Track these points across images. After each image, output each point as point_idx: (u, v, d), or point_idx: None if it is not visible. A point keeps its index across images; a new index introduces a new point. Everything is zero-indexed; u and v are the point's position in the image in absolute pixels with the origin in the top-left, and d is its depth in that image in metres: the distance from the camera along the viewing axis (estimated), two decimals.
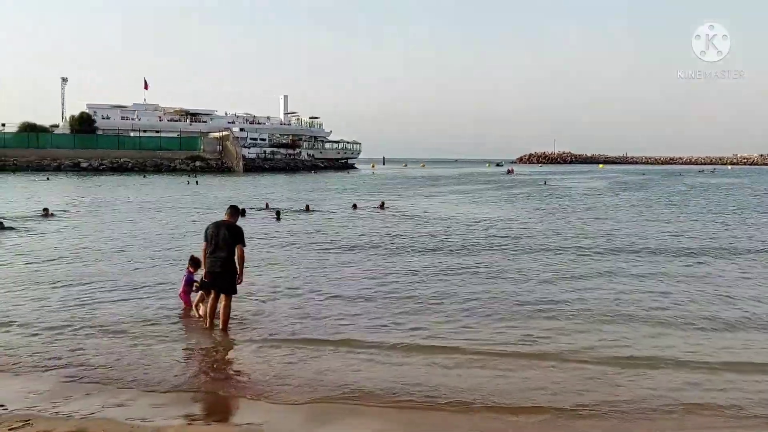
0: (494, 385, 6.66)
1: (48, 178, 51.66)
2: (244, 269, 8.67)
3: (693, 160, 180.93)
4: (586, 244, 17.37)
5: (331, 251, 15.83)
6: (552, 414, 5.96)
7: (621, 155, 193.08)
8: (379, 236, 18.71)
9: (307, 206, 27.18)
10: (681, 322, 9.25)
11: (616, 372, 7.11)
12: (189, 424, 5.62)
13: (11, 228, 18.87)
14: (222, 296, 8.57)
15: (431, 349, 7.89)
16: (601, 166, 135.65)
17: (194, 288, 9.73)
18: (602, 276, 12.81)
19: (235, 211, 8.84)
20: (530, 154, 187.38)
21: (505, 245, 16.98)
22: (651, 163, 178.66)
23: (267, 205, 27.22)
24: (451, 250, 15.99)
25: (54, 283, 11.65)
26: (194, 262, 9.85)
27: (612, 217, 25.97)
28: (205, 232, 8.60)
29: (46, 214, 22.48)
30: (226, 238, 8.36)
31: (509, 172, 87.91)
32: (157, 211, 26.67)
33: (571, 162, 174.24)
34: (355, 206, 28.42)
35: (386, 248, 16.32)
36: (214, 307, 8.66)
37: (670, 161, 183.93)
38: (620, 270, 13.46)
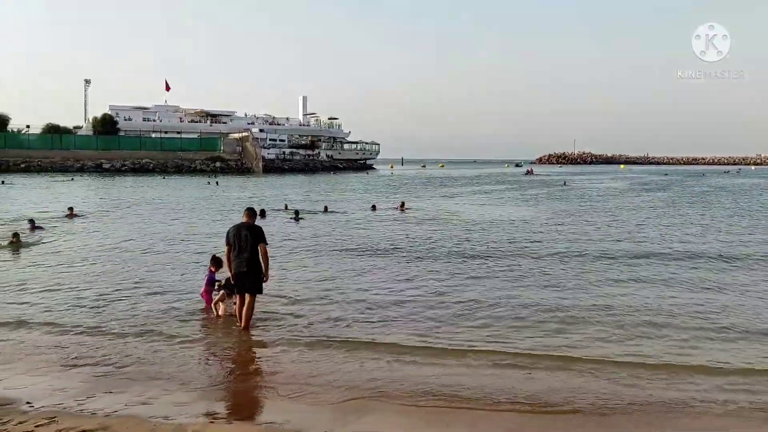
0: (524, 387, 6.61)
1: (72, 179, 52.43)
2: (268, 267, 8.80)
3: (716, 160, 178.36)
4: (611, 247, 16.96)
5: (353, 254, 15.73)
6: (581, 414, 5.91)
7: (642, 155, 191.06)
8: (401, 239, 18.50)
9: (326, 207, 27.22)
10: (714, 327, 8.99)
11: (649, 376, 6.99)
12: (211, 422, 5.65)
13: (40, 227, 19.20)
14: (246, 295, 8.66)
15: (462, 352, 7.82)
16: (622, 166, 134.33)
17: (216, 287, 9.81)
18: (631, 281, 12.32)
19: (252, 213, 8.98)
20: (550, 155, 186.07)
21: (529, 248, 16.55)
22: (673, 164, 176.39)
23: (286, 206, 27.32)
24: (474, 254, 15.61)
25: (80, 283, 11.82)
26: (216, 262, 9.97)
27: (635, 218, 25.62)
28: (227, 235, 8.70)
29: (70, 214, 22.79)
30: (248, 239, 8.49)
31: (528, 172, 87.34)
32: (180, 211, 26.92)
33: (591, 163, 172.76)
34: (374, 207, 28.34)
35: (409, 251, 16.02)
36: (242, 308, 8.74)
37: (693, 161, 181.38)
38: (649, 276, 12.85)
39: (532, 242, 17.81)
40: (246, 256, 8.47)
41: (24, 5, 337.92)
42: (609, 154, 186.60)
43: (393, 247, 16.70)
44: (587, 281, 12.30)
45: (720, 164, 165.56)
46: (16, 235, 16.38)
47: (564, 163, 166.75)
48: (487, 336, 8.53)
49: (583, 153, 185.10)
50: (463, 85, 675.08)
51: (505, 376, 7.01)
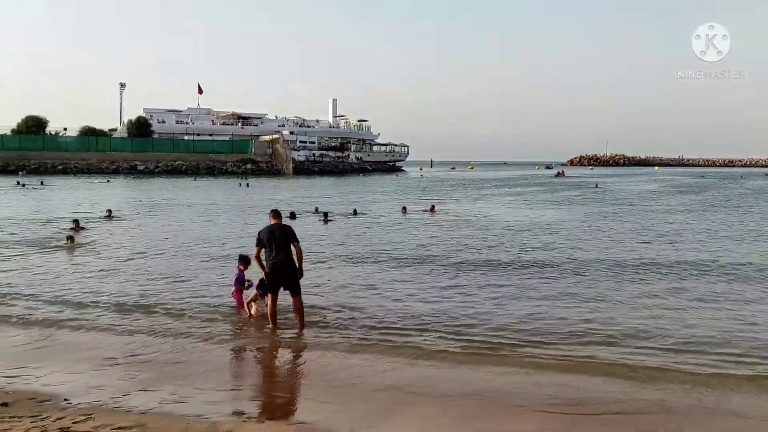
0: (565, 393, 6.53)
1: (108, 181, 53.58)
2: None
3: (754, 162, 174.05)
4: (649, 253, 16.30)
5: (384, 257, 15.64)
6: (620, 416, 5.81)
7: (677, 157, 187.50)
8: (433, 243, 18.27)
9: (355, 210, 27.25)
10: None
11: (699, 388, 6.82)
12: (244, 421, 5.69)
13: (83, 228, 19.68)
14: (292, 297, 8.79)
15: (499, 358, 7.75)
16: (656, 168, 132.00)
17: (246, 286, 9.89)
18: (669, 292, 11.66)
19: (278, 214, 9.11)
20: (581, 157, 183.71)
21: (568, 254, 15.84)
22: (709, 166, 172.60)
23: (317, 209, 27.37)
24: (510, 260, 15.13)
25: (117, 282, 12.07)
26: (244, 261, 10.08)
27: (672, 222, 25.12)
28: (259, 236, 8.75)
29: (109, 215, 23.29)
30: (282, 239, 8.57)
31: (559, 174, 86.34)
32: (213, 213, 27.27)
33: (624, 165, 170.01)
34: (404, 209, 28.25)
35: (443, 256, 15.73)
36: (274, 309, 8.80)
37: (729, 164, 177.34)
38: (690, 287, 11.98)
39: (569, 248, 17.06)
40: (282, 256, 8.54)
41: (24, 5, 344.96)
42: (642, 156, 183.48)
43: (426, 251, 16.39)
44: (636, 293, 11.57)
45: (758, 166, 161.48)
46: (70, 237, 16.99)
47: (596, 165, 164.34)
48: (523, 339, 8.44)
49: (616, 155, 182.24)
50: (463, 85, 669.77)
51: (541, 383, 6.91)
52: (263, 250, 8.62)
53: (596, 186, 54.87)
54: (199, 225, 22.41)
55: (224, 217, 25.29)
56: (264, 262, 8.64)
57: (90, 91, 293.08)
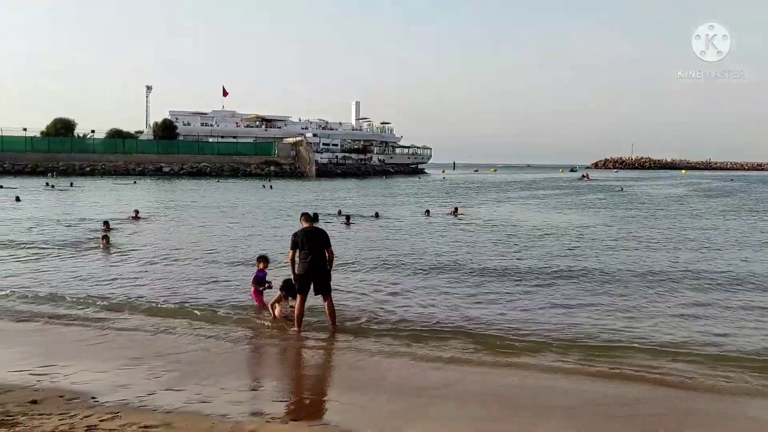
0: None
1: (135, 182, 54.36)
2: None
3: None
4: (681, 260, 15.70)
5: (407, 261, 15.63)
6: None
7: (704, 161, 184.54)
8: (457, 247, 18.15)
9: (377, 213, 27.16)
10: None
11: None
12: (267, 422, 5.70)
13: (112, 229, 19.99)
14: (324, 299, 8.88)
15: (523, 365, 7.66)
16: (683, 172, 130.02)
17: (266, 286, 9.96)
18: (711, 301, 11.06)
19: (309, 217, 9.18)
20: (606, 160, 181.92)
21: (598, 262, 15.06)
22: (736, 169, 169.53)
23: (339, 212, 27.22)
24: (539, 267, 14.44)
25: (144, 283, 12.20)
26: (264, 260, 10.22)
27: (702, 227, 24.67)
28: (294, 238, 8.81)
29: (136, 216, 23.58)
30: (317, 242, 8.71)
31: (583, 177, 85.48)
32: (239, 214, 27.47)
33: (649, 168, 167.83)
34: (428, 212, 28.11)
35: (469, 261, 15.57)
36: (302, 311, 8.84)
37: (758, 167, 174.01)
38: (723, 298, 11.33)
39: (597, 254, 16.53)
40: (317, 259, 8.66)
41: (24, 5, 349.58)
42: (668, 159, 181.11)
43: (450, 256, 16.20)
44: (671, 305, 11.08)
45: None
46: (106, 237, 17.19)
47: (621, 168, 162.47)
48: (550, 344, 8.35)
49: (641, 158, 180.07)
50: (463, 86, 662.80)
51: (567, 389, 6.82)
52: (297, 252, 8.71)
53: (621, 189, 54.20)
54: (225, 226, 22.57)
55: (249, 219, 25.47)
56: (297, 264, 8.71)
57: (90, 91, 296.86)
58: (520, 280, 12.84)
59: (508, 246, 17.96)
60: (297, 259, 8.73)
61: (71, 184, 46.59)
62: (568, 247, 17.93)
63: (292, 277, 8.89)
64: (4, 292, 11.12)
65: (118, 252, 16.05)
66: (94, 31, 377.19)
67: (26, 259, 14.88)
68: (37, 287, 11.61)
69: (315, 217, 23.02)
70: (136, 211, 24.30)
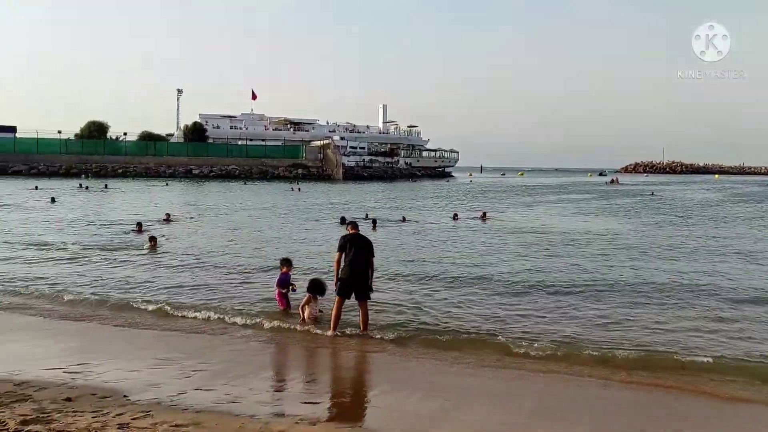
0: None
1: (167, 184, 55.21)
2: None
3: None
4: (722, 270, 14.78)
5: (437, 267, 15.62)
6: None
7: (738, 165, 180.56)
8: (487, 252, 18.02)
9: (403, 217, 26.98)
10: None
11: None
12: (296, 423, 5.71)
13: (146, 230, 20.34)
14: (360, 304, 8.94)
15: (552, 371, 7.59)
16: (717, 176, 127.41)
17: (290, 288, 10.04)
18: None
19: (356, 225, 9.40)
20: (636, 164, 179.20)
21: (636, 273, 14.06)
22: None
23: (367, 215, 27.14)
24: (570, 277, 13.70)
25: (174, 285, 12.35)
26: (287, 263, 10.27)
27: (738, 234, 23.98)
28: (341, 242, 8.95)
29: (167, 219, 23.82)
30: (362, 249, 8.87)
31: (613, 181, 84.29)
32: (269, 216, 27.72)
33: (681, 172, 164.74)
34: (455, 216, 27.94)
35: (499, 267, 15.52)
36: (339, 313, 8.91)
37: None
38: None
39: (632, 263, 15.86)
40: (360, 265, 8.80)
41: (24, 5, 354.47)
42: (701, 164, 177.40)
43: (480, 261, 16.12)
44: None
45: None
46: (153, 239, 17.24)
47: (651, 172, 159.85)
48: (581, 353, 8.24)
49: (672, 162, 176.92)
50: (490, 88, 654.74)
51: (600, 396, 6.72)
52: (343, 255, 8.84)
53: (652, 194, 53.35)
54: (255, 229, 22.73)
55: (279, 221, 25.63)
56: (341, 268, 8.83)
57: (90, 91, 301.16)
58: (551, 287, 12.68)
59: (537, 252, 17.71)
60: (342, 262, 8.83)
61: (106, 186, 47.44)
62: (601, 253, 17.43)
63: (334, 279, 8.96)
64: (46, 291, 11.39)
65: (152, 254, 16.26)
66: (95, 31, 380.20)
67: (68, 259, 15.20)
68: (77, 287, 11.85)
69: (342, 221, 23.25)
70: (168, 215, 24.56)
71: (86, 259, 15.23)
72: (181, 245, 17.96)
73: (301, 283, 10.30)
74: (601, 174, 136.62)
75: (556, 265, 15.30)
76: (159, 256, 15.87)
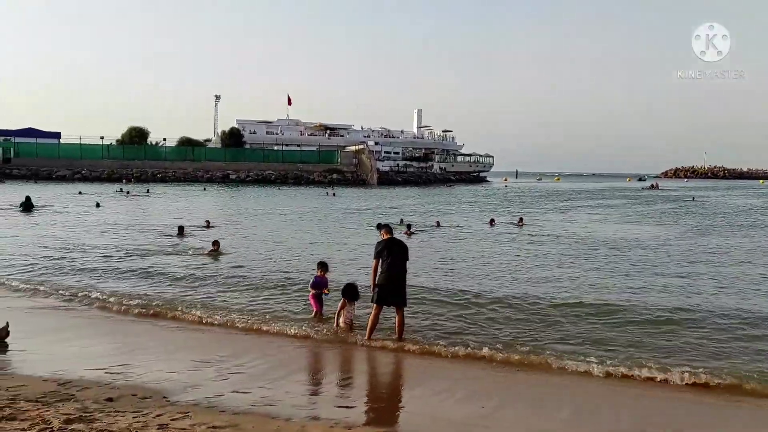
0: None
1: (204, 189, 56.13)
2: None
3: None
4: None
5: (476, 275, 15.51)
6: None
7: None
8: (525, 260, 17.80)
9: (438, 222, 26.84)
10: None
11: None
12: (331, 426, 5.73)
13: (190, 233, 20.65)
14: (396, 310, 8.88)
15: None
16: (762, 182, 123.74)
17: (324, 291, 10.10)
18: None
19: (390, 229, 9.29)
20: (676, 169, 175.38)
21: (689, 288, 13.13)
22: None
23: (401, 220, 26.88)
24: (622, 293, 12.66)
25: (219, 289, 12.49)
26: (323, 266, 10.30)
27: None
28: (378, 248, 8.88)
29: (208, 225, 23.72)
30: (399, 254, 8.82)
31: (653, 186, 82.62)
32: (307, 220, 27.84)
33: (723, 177, 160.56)
34: (492, 222, 27.61)
35: (537, 278, 15.27)
36: (376, 321, 8.86)
37: None
38: None
39: (685, 274, 14.89)
40: (396, 271, 8.74)
41: (24, 5, 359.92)
42: (744, 169, 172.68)
43: (517, 268, 15.86)
44: None
45: None
46: (216, 243, 16.83)
47: (692, 178, 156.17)
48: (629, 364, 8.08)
49: (714, 167, 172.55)
50: (526, 92, 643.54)
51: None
52: (380, 262, 8.78)
53: (693, 199, 52.11)
54: (295, 233, 22.81)
55: (317, 226, 25.67)
56: (378, 275, 8.77)
57: (90, 92, 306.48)
58: (592, 293, 12.48)
59: (575, 260, 17.41)
60: (378, 269, 8.76)
61: (147, 191, 48.30)
62: (654, 264, 16.62)
63: (370, 285, 8.89)
64: (94, 293, 11.70)
65: (208, 257, 16.39)
66: (95, 31, 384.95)
67: (117, 261, 15.58)
68: (122, 288, 12.14)
69: (378, 227, 23.06)
70: (207, 222, 24.36)
71: (132, 260, 15.57)
72: (227, 249, 18.15)
73: (333, 285, 10.35)
74: (640, 179, 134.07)
75: (597, 275, 15.05)
76: (202, 259, 16.06)
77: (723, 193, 70.41)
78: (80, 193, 43.52)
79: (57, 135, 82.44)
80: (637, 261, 16.85)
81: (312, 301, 10.21)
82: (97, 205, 33.63)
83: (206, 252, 16.72)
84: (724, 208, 41.93)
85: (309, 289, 10.37)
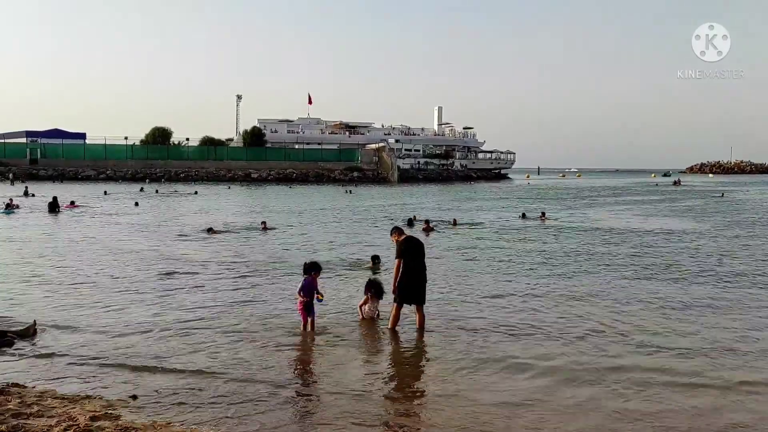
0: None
1: (229, 187, 56.29)
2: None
3: None
4: None
5: (496, 273, 15.27)
6: None
7: None
8: (547, 258, 17.49)
9: (454, 220, 25.88)
10: None
11: None
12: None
13: (219, 232, 20.82)
14: (417, 309, 8.85)
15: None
16: None
17: (317, 297, 8.57)
18: None
19: (401, 230, 9.27)
20: (701, 164, 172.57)
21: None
22: None
23: (415, 217, 26.05)
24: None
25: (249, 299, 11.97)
26: (316, 267, 8.81)
27: None
28: (401, 248, 8.81)
29: (264, 227, 22.47)
30: (419, 254, 8.82)
31: (676, 183, 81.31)
32: (344, 221, 26.88)
33: (750, 172, 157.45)
34: (524, 215, 28.01)
35: (562, 268, 15.10)
36: (397, 318, 8.83)
37: None
38: None
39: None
40: (419, 269, 8.75)
41: (24, 5, 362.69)
42: None
43: (541, 265, 15.58)
44: None
45: None
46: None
47: (718, 173, 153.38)
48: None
49: (741, 162, 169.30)
50: (548, 87, 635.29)
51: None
52: (402, 262, 8.71)
53: (722, 195, 51.09)
54: (353, 235, 21.62)
55: (357, 226, 24.71)
56: (401, 275, 8.69)
57: (89, 92, 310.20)
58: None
59: (598, 259, 17.16)
60: (401, 269, 8.67)
61: (195, 192, 47.56)
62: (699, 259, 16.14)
63: (392, 285, 8.76)
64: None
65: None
66: (95, 31, 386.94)
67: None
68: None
69: (410, 223, 22.75)
70: (264, 223, 23.05)
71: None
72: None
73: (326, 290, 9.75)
74: (665, 174, 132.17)
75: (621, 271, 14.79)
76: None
77: (752, 188, 68.82)
78: (106, 193, 43.80)
79: (83, 136, 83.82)
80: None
81: (300, 310, 8.59)
82: (136, 204, 33.91)
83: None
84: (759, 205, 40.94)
85: (296, 295, 8.73)
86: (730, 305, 10.71)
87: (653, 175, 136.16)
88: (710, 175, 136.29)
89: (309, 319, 8.57)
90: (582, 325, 9.27)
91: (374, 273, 13.02)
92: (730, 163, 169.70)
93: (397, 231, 9.22)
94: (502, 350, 8.01)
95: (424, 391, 6.77)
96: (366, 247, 18.04)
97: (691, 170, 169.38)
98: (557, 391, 6.61)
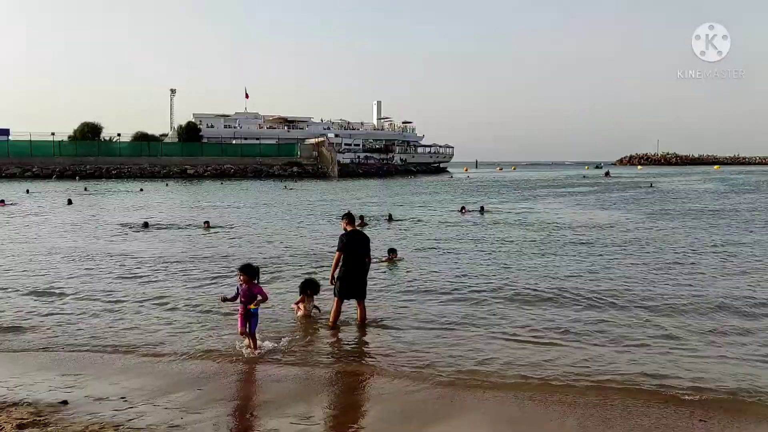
0: None
1: (167, 185, 54.55)
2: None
3: None
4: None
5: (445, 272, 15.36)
6: None
7: (732, 156, 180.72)
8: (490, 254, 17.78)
9: (390, 216, 25.29)
10: None
11: None
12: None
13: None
14: (358, 304, 8.79)
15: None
16: (717, 167, 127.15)
17: (257, 303, 7.34)
18: None
19: (352, 219, 9.04)
20: (631, 156, 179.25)
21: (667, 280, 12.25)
22: (766, 164, 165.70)
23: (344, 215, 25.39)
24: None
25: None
26: (249, 270, 7.48)
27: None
28: (342, 242, 8.61)
29: (207, 226, 21.66)
30: (361, 249, 8.66)
31: (607, 174, 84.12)
32: (296, 217, 26.07)
33: (675, 164, 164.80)
34: (463, 209, 28.01)
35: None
36: (338, 315, 8.72)
37: None
38: None
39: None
40: (360, 264, 8.61)
41: (24, 5, 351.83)
42: (695, 155, 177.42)
43: (482, 262, 15.54)
44: None
45: None
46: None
47: (646, 164, 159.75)
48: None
49: (667, 154, 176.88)
50: (482, 84, 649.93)
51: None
52: (344, 255, 8.55)
53: (651, 186, 53.10)
54: (297, 232, 20.94)
55: (304, 222, 24.18)
56: (339, 268, 8.57)
57: (89, 92, 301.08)
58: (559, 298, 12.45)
59: (540, 251, 17.44)
60: (340, 262, 8.54)
61: (141, 190, 45.75)
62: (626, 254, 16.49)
63: (329, 278, 8.71)
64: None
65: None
66: (95, 31, 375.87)
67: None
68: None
69: (362, 219, 22.17)
70: (207, 222, 22.18)
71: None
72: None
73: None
74: (597, 167, 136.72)
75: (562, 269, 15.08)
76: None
77: (679, 179, 71.77)
78: (28, 191, 41.30)
79: (6, 132, 79.45)
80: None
81: (241, 318, 7.40)
82: (69, 202, 32.28)
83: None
84: (686, 195, 42.77)
85: (239, 302, 7.46)
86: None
87: (587, 167, 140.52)
88: (639, 167, 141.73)
89: (248, 330, 7.39)
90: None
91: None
92: (657, 155, 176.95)
93: (346, 218, 8.96)
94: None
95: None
96: (314, 242, 17.79)
97: (621, 162, 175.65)
98: None
